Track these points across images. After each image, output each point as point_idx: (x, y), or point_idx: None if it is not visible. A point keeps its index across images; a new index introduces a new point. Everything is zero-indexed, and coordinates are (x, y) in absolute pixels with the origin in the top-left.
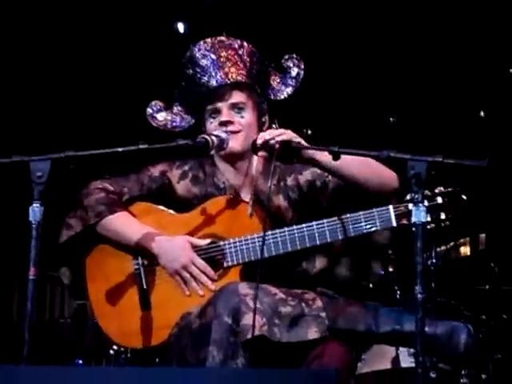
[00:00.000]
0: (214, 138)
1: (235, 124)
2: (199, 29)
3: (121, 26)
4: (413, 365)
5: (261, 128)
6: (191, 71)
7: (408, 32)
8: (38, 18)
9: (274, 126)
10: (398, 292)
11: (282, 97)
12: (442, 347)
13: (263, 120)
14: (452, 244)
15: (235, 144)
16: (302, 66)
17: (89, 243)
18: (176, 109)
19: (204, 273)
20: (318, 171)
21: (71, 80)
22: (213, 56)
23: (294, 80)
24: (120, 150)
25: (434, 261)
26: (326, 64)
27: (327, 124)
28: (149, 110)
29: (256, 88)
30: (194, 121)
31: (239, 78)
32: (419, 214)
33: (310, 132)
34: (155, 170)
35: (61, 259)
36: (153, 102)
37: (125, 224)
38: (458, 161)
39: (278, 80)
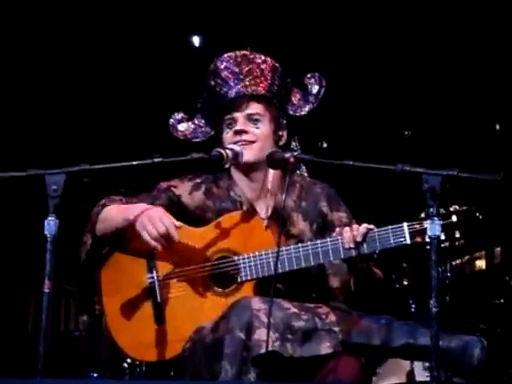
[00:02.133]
0: (228, 151)
1: (249, 134)
2: (214, 42)
3: (136, 41)
4: (428, 379)
5: (277, 142)
6: (213, 82)
7: (423, 46)
8: (55, 32)
9: (293, 142)
10: (413, 305)
11: (302, 113)
12: (455, 361)
13: (280, 134)
14: (467, 257)
15: (249, 155)
16: (324, 84)
17: (103, 258)
18: (197, 120)
19: (166, 228)
20: (346, 219)
21: (86, 95)
22: (235, 69)
23: (314, 97)
24: (135, 163)
25: (448, 274)
26: (342, 77)
27: (342, 137)
28: (171, 120)
29: (275, 102)
30: (213, 132)
31: (259, 89)
32: (434, 228)
33: (325, 145)
34: (164, 184)
35: (82, 277)
36: (175, 113)
37: (115, 210)
38: (473, 175)
39: (299, 97)
